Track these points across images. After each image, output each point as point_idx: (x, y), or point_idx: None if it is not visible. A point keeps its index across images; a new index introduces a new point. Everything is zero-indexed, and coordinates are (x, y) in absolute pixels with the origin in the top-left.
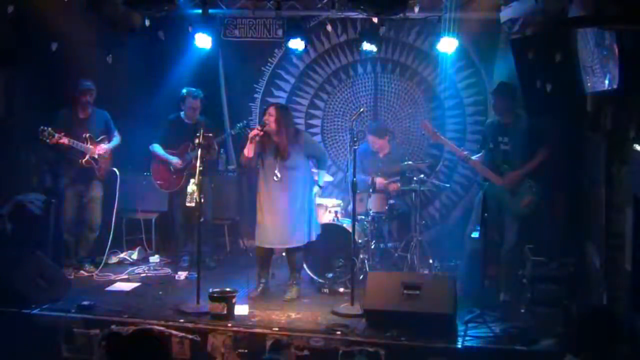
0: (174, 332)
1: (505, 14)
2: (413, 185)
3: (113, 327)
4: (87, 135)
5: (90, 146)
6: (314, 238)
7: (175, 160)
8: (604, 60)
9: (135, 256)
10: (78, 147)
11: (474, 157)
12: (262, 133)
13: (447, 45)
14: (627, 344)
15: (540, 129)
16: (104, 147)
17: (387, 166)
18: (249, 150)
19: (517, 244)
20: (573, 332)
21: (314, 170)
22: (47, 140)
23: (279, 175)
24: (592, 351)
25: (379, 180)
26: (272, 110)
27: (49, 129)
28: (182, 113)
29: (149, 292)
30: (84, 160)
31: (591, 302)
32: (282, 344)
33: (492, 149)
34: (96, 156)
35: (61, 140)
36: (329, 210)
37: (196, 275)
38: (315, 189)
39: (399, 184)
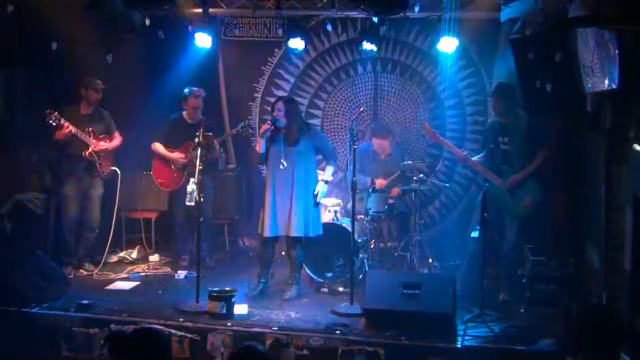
0: (173, 331)
1: (505, 14)
2: (413, 185)
3: (112, 326)
4: (90, 129)
5: (94, 140)
6: (312, 234)
7: (176, 156)
8: (604, 60)
9: (134, 255)
10: (82, 137)
11: (474, 158)
12: (273, 128)
13: (447, 45)
14: (627, 344)
15: (540, 129)
16: (105, 145)
17: (387, 167)
18: (260, 146)
19: (517, 244)
20: (573, 332)
21: (320, 171)
22: (53, 123)
23: (285, 163)
24: (593, 351)
25: (379, 182)
26: (280, 105)
27: (56, 112)
28: (184, 112)
29: (149, 291)
30: (87, 152)
31: (591, 302)
32: (281, 343)
33: (493, 150)
34: (100, 150)
35: (65, 124)
36: (329, 209)
37: (196, 275)
38: (322, 185)
39: (399, 189)
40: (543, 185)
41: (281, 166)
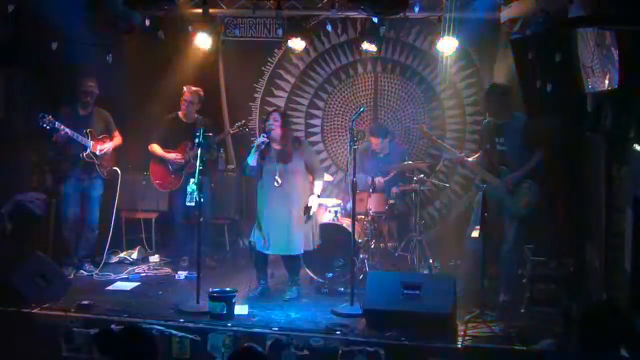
0: (173, 331)
1: (505, 14)
2: (413, 185)
3: (113, 326)
4: (88, 130)
5: (92, 141)
6: (312, 247)
7: (173, 156)
8: (604, 61)
9: (135, 256)
10: (78, 139)
11: (470, 159)
12: (267, 140)
13: (447, 45)
14: (627, 344)
15: (537, 129)
16: (104, 146)
17: (385, 165)
18: (254, 160)
19: (517, 244)
20: (575, 329)
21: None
22: (47, 127)
23: (279, 180)
24: (594, 347)
25: (379, 180)
26: (277, 116)
27: (50, 116)
28: (179, 112)
29: (149, 291)
30: (85, 154)
31: (592, 301)
32: (281, 343)
33: (489, 150)
34: (97, 152)
35: (60, 127)
36: (329, 210)
37: (196, 275)
38: (315, 199)
39: (398, 189)
40: (543, 184)
41: (275, 184)
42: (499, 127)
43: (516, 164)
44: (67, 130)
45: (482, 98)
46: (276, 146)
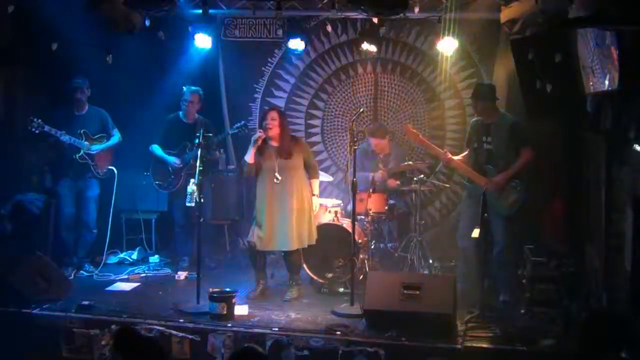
0: (173, 332)
1: (505, 14)
2: (413, 185)
3: (113, 327)
4: (82, 131)
5: (86, 142)
6: (312, 242)
7: (173, 160)
8: (604, 61)
9: (135, 256)
10: (70, 141)
11: (456, 157)
12: (263, 135)
13: (447, 45)
14: (627, 345)
15: (523, 128)
16: (99, 146)
17: (387, 166)
18: (251, 156)
19: (508, 245)
20: (575, 335)
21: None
22: (36, 131)
23: (279, 177)
24: (595, 354)
25: (381, 173)
26: (274, 114)
27: (39, 120)
28: (180, 113)
29: (149, 292)
30: (78, 156)
31: (591, 302)
32: (282, 344)
33: (476, 149)
34: (92, 152)
35: (50, 131)
36: (329, 210)
37: (196, 275)
38: (316, 200)
39: (397, 182)
40: (528, 183)
41: (275, 180)
42: (487, 127)
43: (502, 163)
44: (57, 134)
45: (470, 98)
46: (275, 143)
